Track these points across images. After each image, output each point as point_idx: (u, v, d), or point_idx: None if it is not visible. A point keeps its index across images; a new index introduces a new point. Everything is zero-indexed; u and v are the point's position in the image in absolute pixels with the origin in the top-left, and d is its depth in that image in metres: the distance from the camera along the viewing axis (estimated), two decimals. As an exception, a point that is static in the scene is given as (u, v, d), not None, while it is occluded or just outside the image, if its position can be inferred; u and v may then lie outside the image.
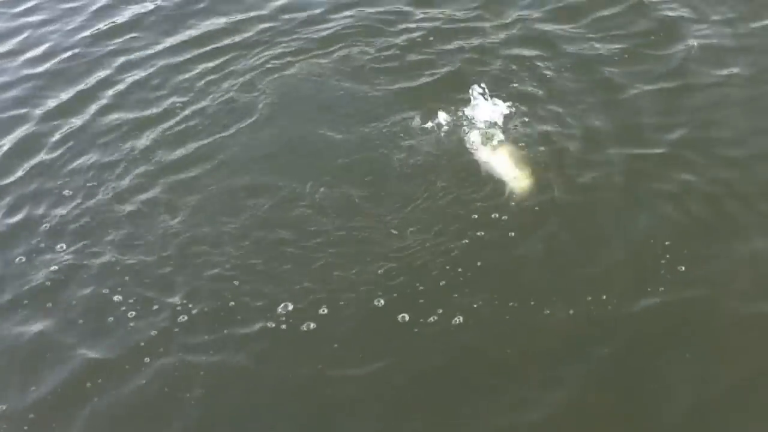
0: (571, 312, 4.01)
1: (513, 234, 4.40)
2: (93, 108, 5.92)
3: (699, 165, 4.79)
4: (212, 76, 6.05)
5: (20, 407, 3.93)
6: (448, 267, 4.28)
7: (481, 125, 5.13)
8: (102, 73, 6.34)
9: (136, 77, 6.21)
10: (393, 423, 3.76)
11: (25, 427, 3.87)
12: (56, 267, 4.60)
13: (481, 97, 5.24)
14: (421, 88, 5.64)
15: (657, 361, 3.82)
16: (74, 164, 5.37)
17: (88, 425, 3.83)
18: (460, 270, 4.26)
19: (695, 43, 5.78)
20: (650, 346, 3.90)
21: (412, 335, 4.02)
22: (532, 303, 4.06)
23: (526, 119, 5.20)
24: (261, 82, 5.91)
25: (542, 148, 4.99)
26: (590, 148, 4.97)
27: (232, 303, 4.28)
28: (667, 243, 4.29)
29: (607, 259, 4.28)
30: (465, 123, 5.20)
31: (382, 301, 4.17)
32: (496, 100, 5.27)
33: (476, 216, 4.50)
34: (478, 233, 4.41)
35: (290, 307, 4.21)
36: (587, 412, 3.70)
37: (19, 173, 5.36)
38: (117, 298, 4.38)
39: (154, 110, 5.79)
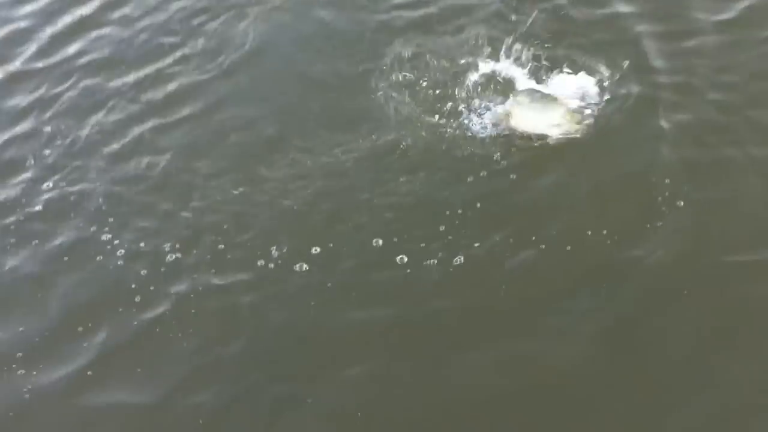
0: (569, 248, 3.91)
1: (514, 177, 4.27)
2: (73, 46, 5.67)
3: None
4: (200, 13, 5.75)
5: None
6: (448, 212, 4.17)
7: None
8: (83, 10, 6.01)
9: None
10: (388, 363, 3.67)
11: (14, 365, 3.83)
12: (41, 207, 4.49)
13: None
14: (432, 37, 5.25)
15: (662, 304, 3.76)
16: (58, 104, 5.19)
17: (77, 368, 3.78)
18: (459, 212, 4.16)
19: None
20: (655, 290, 3.81)
21: (410, 276, 3.93)
22: (533, 239, 3.96)
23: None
24: (255, 19, 5.60)
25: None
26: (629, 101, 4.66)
27: (222, 246, 4.18)
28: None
29: (613, 201, 4.17)
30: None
31: (380, 242, 4.07)
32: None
33: (477, 159, 4.38)
34: (480, 174, 4.29)
35: (284, 248, 4.10)
36: (590, 357, 3.61)
37: (2, 113, 5.20)
38: (105, 237, 4.30)
39: (140, 49, 5.57)
